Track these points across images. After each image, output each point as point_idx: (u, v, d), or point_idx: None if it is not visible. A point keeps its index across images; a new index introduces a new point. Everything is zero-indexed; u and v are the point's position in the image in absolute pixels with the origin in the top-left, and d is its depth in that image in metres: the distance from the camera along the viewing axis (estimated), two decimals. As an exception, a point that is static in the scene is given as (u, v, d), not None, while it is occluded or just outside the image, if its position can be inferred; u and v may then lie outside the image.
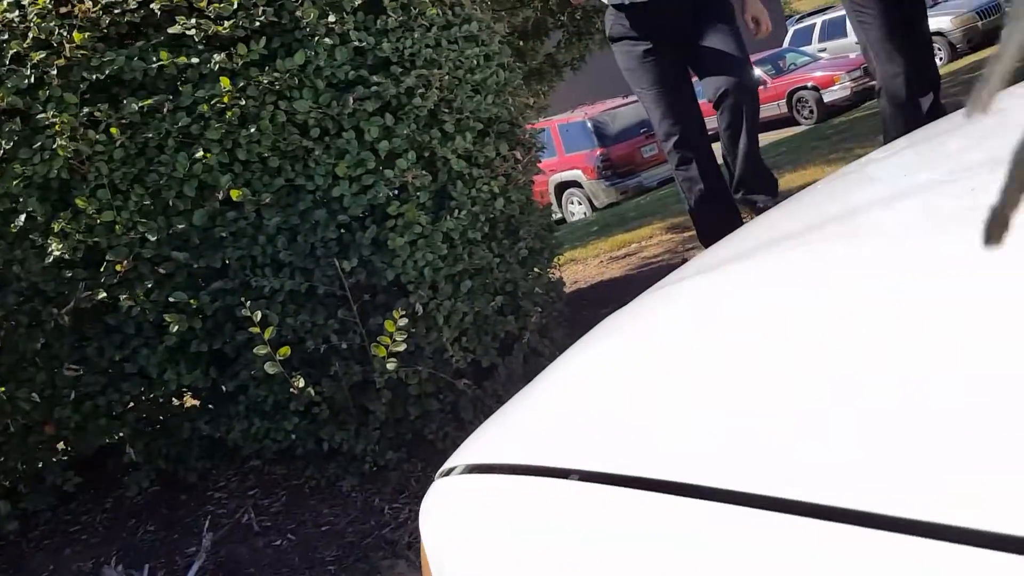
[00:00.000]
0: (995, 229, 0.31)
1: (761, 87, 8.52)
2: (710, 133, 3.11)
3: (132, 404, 2.22)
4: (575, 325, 3.08)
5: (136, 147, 1.98)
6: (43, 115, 1.93)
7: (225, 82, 1.96)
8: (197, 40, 1.99)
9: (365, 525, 2.19)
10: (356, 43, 2.08)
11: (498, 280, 2.30)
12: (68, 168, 1.96)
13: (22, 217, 1.98)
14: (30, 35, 1.95)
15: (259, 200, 2.04)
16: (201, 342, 2.12)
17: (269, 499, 2.38)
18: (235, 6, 1.99)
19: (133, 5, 1.99)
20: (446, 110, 2.17)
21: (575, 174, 11.52)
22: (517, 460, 0.75)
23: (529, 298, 2.36)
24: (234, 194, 2.02)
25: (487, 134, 2.30)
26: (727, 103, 2.89)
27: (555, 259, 2.53)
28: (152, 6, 1.99)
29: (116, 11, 1.98)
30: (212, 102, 1.97)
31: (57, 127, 1.91)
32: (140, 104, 1.94)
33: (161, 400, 2.30)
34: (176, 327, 2.02)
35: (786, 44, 16.64)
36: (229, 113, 1.98)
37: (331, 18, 2.06)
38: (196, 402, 2.42)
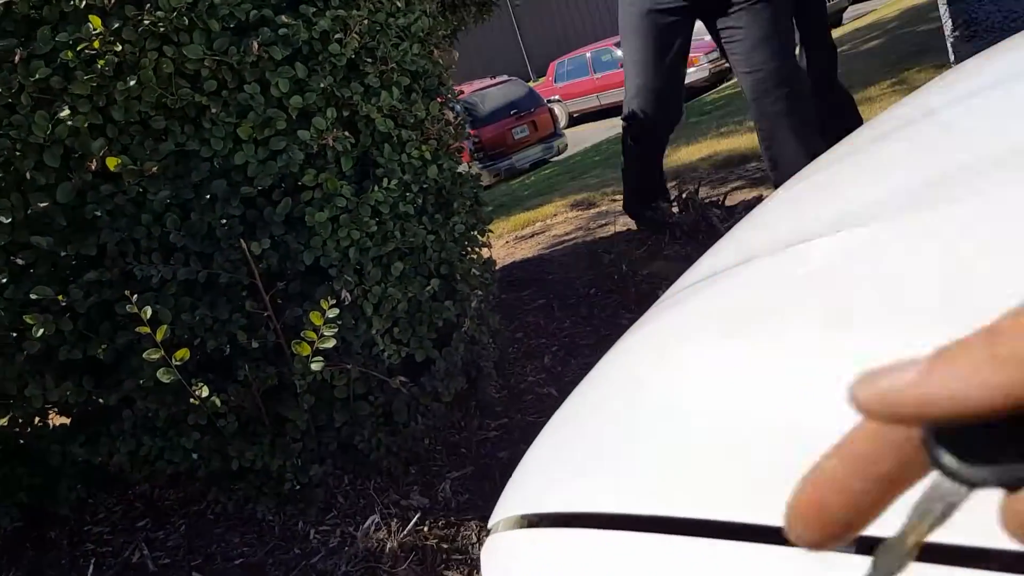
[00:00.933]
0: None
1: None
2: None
3: (-17, 428, 1.79)
4: (504, 308, 2.81)
5: (-23, 105, 1.55)
6: None
7: (95, 22, 1.56)
8: (54, -32, 1.57)
9: (288, 555, 1.85)
10: (258, -23, 1.71)
11: (432, 261, 1.99)
12: None
13: None
14: None
15: (142, 170, 1.66)
16: (72, 348, 1.72)
17: (164, 531, 1.99)
18: (103, -74, 1.59)
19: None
20: (368, 59, 1.83)
21: (445, 157, 11.21)
22: (583, 508, 0.64)
23: (467, 280, 2.06)
24: (110, 163, 1.62)
25: (413, 90, 1.98)
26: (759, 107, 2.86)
27: (485, 235, 2.24)
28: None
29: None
30: (78, 48, 1.57)
31: None
32: (-21, 49, 1.52)
33: (21, 421, 1.87)
34: (40, 331, 1.61)
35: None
36: (101, 62, 1.58)
37: (225, -53, 1.68)
38: (67, 420, 2.00)
